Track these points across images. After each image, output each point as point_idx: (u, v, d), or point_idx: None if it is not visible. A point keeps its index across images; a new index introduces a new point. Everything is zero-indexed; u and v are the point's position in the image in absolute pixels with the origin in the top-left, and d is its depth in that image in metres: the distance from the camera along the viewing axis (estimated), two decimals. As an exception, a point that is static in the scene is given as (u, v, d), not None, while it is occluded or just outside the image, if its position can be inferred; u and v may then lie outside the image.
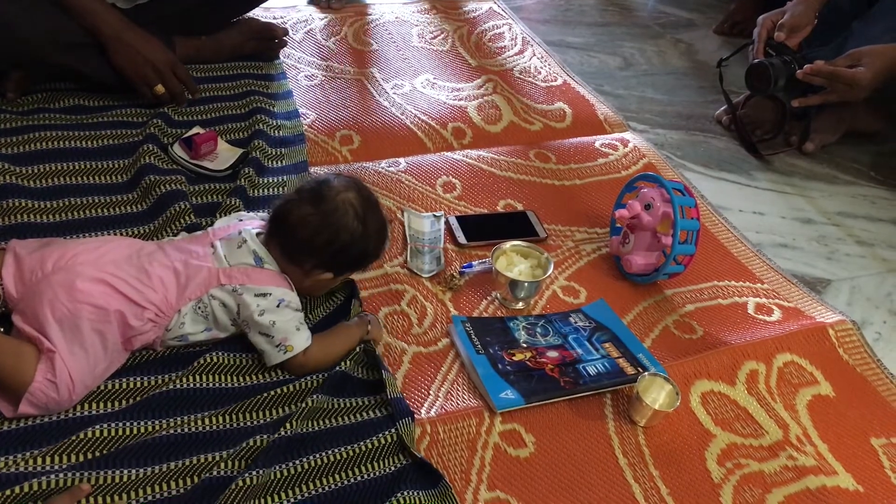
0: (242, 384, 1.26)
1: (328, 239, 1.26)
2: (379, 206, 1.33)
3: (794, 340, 1.50)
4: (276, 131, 1.83)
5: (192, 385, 1.23)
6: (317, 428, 1.21)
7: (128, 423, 1.16)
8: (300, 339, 1.26)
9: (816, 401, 1.42)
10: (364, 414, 1.25)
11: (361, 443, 1.20)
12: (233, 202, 1.55)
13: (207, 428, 1.18)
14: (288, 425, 1.17)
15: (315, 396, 1.22)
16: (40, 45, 1.61)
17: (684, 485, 1.24)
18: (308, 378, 1.27)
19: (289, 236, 1.27)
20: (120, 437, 1.14)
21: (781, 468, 1.29)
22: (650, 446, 1.28)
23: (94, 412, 1.17)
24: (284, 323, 1.25)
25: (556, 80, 2.25)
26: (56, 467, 1.08)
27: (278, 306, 1.25)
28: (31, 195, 1.51)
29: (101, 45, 1.69)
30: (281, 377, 1.28)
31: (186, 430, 1.17)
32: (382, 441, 1.20)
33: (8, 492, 1.02)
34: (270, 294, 1.25)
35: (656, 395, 1.32)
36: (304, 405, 1.20)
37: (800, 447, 1.33)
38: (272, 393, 1.24)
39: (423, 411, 1.27)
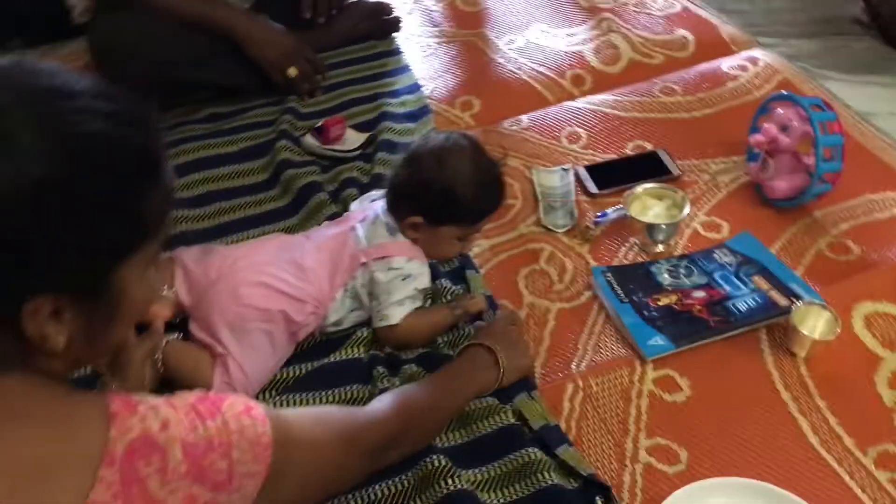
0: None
1: (408, 180, 1.30)
2: (467, 151, 1.30)
3: (964, 247, 1.40)
4: (401, 107, 1.87)
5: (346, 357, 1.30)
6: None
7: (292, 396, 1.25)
8: (396, 313, 1.28)
9: None
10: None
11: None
12: (367, 183, 1.61)
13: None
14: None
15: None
16: (174, 66, 1.74)
17: (854, 413, 1.19)
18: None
19: (389, 192, 1.33)
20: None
21: (961, 385, 1.22)
22: (813, 377, 1.24)
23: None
24: (395, 295, 1.28)
25: (673, 7, 2.17)
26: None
27: (404, 279, 1.29)
28: (184, 206, 1.62)
29: (230, 50, 1.80)
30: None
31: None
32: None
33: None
34: (402, 268, 1.29)
35: (814, 323, 1.27)
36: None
37: (981, 361, 1.25)
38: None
39: (573, 366, 1.29)
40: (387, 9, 2.15)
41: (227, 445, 0.72)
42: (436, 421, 1.14)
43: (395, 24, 2.15)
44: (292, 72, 1.86)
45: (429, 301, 1.38)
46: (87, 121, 0.66)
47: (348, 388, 1.26)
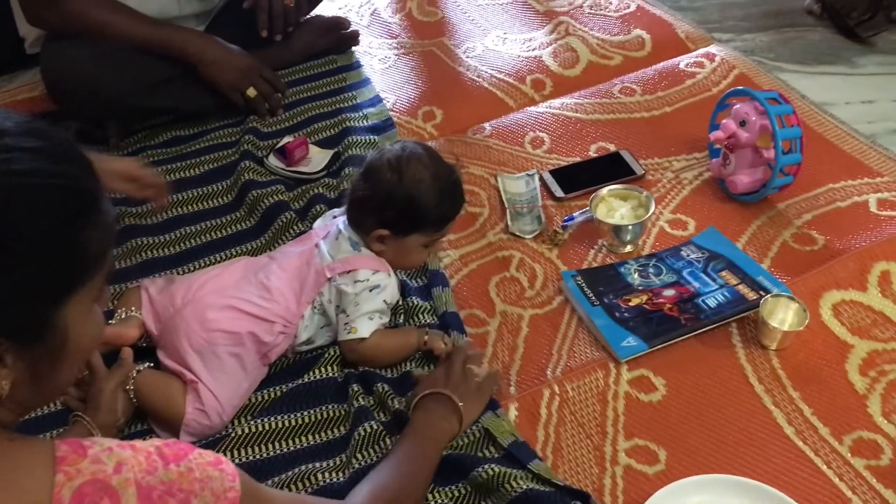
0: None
1: (370, 195, 1.28)
2: (424, 158, 1.29)
3: (925, 232, 1.42)
4: (363, 121, 1.87)
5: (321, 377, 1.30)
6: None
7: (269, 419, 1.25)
8: (365, 327, 1.28)
9: (959, 291, 1.34)
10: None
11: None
12: (334, 199, 1.61)
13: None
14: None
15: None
16: (130, 94, 1.71)
17: (827, 402, 1.21)
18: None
19: (351, 208, 1.32)
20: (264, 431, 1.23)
21: (930, 368, 1.24)
22: (785, 368, 1.26)
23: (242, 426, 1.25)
24: (363, 307, 1.27)
25: (629, 7, 2.18)
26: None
27: (371, 291, 1.28)
28: (149, 232, 1.60)
29: (186, 73, 1.77)
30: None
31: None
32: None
33: None
34: (368, 280, 1.28)
35: (783, 315, 1.28)
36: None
37: (947, 343, 1.27)
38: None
39: (548, 372, 1.29)
40: (344, 23, 2.14)
41: (187, 493, 0.70)
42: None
43: (353, 38, 2.14)
44: (251, 92, 1.84)
45: (402, 317, 1.37)
46: (15, 159, 0.64)
47: (324, 407, 1.26)
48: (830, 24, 2.07)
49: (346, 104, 1.93)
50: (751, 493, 1.07)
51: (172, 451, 0.71)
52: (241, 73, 1.83)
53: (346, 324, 1.29)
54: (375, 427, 1.20)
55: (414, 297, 1.40)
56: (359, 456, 1.18)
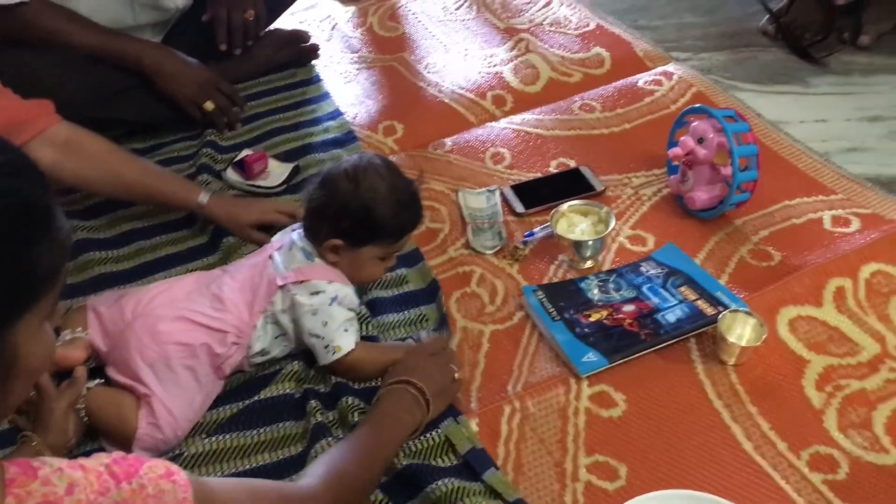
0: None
1: (325, 203, 1.27)
2: (381, 169, 1.28)
3: (878, 248, 1.44)
4: (324, 134, 1.86)
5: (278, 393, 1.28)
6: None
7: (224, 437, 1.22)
8: (347, 341, 1.26)
9: (911, 306, 1.37)
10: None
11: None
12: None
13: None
14: None
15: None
16: (84, 103, 1.66)
17: (785, 417, 1.21)
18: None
19: (306, 218, 1.31)
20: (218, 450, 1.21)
21: (884, 382, 1.25)
22: (744, 384, 1.26)
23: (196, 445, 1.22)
24: (333, 323, 1.26)
25: (588, 26, 2.20)
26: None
27: (330, 304, 1.26)
28: (103, 246, 1.57)
29: (143, 84, 1.74)
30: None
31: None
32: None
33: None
34: (324, 291, 1.26)
35: (741, 331, 1.29)
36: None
37: (900, 357, 1.29)
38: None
39: (509, 388, 1.28)
40: (304, 36, 2.13)
41: None
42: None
43: (312, 52, 2.13)
44: (209, 106, 1.81)
45: (375, 331, 1.36)
46: None
47: (281, 424, 1.24)
48: (784, 44, 2.11)
49: (306, 118, 1.92)
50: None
51: (122, 468, 0.69)
52: (199, 87, 1.80)
53: (326, 346, 1.26)
54: (332, 444, 1.17)
55: (389, 314, 1.40)
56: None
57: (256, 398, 1.26)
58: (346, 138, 1.85)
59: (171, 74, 1.76)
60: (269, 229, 1.49)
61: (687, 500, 1.08)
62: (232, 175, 1.71)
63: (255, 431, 1.23)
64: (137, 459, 0.72)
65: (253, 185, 1.69)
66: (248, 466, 1.19)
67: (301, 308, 1.26)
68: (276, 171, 1.73)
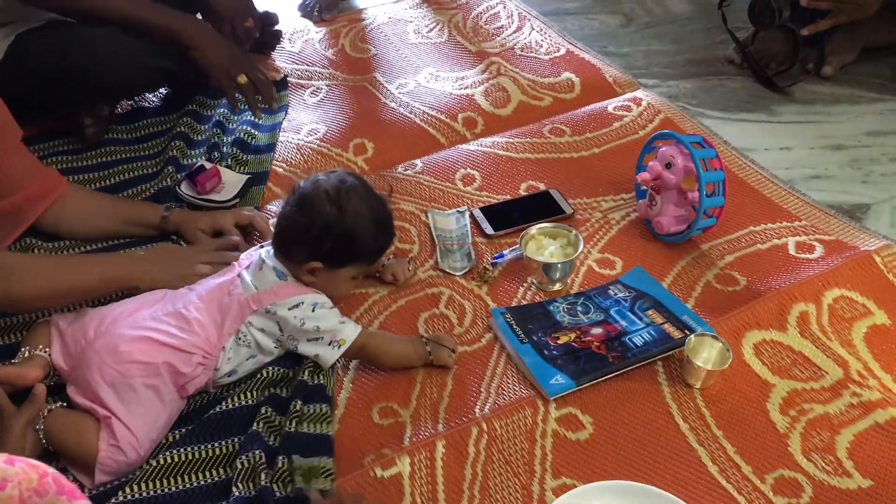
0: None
1: (306, 226, 1.26)
2: (361, 191, 1.30)
3: (840, 274, 1.47)
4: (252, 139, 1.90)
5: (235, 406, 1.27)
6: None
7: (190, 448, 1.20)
8: (348, 330, 1.28)
9: (873, 332, 1.39)
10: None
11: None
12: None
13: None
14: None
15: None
16: (138, 60, 1.77)
17: (750, 441, 1.22)
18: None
19: (281, 238, 1.30)
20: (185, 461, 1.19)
21: (847, 407, 1.27)
22: (710, 407, 1.27)
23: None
24: (327, 322, 1.27)
25: (558, 51, 2.23)
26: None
27: (314, 310, 1.27)
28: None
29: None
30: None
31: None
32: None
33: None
34: (303, 302, 1.27)
35: (707, 354, 1.30)
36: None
37: (862, 382, 1.30)
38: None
39: (476, 410, 1.27)
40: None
41: None
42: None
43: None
44: (242, 79, 1.81)
45: None
46: None
47: (236, 439, 1.22)
48: (750, 73, 2.15)
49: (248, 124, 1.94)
50: (651, 499, 1.09)
51: (70, 487, 0.67)
52: (233, 59, 1.81)
53: (329, 344, 1.27)
54: (256, 459, 1.15)
55: None
56: (240, 485, 1.13)
57: (214, 411, 1.25)
58: (267, 148, 1.88)
59: (206, 45, 1.78)
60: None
61: (629, 491, 1.11)
62: (186, 189, 1.70)
63: (204, 446, 1.21)
64: (83, 496, 0.69)
65: (207, 200, 1.68)
66: (203, 482, 1.17)
67: (289, 322, 1.26)
68: (231, 184, 1.72)
